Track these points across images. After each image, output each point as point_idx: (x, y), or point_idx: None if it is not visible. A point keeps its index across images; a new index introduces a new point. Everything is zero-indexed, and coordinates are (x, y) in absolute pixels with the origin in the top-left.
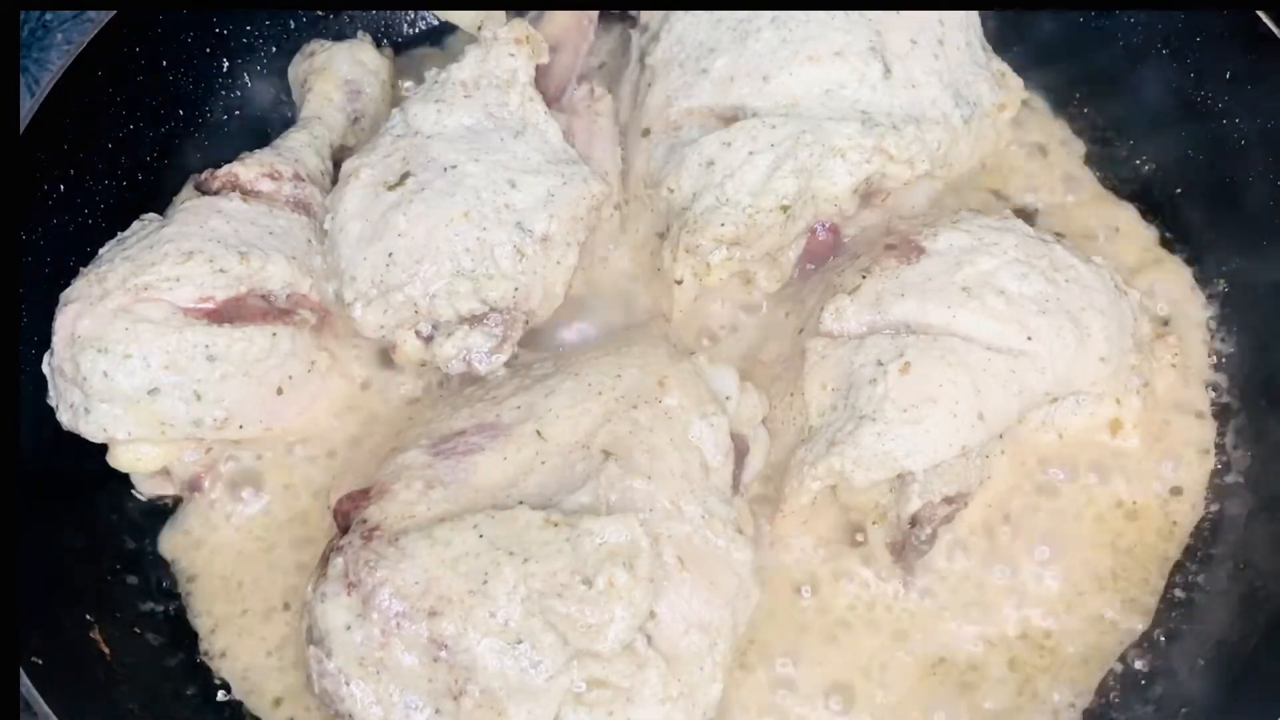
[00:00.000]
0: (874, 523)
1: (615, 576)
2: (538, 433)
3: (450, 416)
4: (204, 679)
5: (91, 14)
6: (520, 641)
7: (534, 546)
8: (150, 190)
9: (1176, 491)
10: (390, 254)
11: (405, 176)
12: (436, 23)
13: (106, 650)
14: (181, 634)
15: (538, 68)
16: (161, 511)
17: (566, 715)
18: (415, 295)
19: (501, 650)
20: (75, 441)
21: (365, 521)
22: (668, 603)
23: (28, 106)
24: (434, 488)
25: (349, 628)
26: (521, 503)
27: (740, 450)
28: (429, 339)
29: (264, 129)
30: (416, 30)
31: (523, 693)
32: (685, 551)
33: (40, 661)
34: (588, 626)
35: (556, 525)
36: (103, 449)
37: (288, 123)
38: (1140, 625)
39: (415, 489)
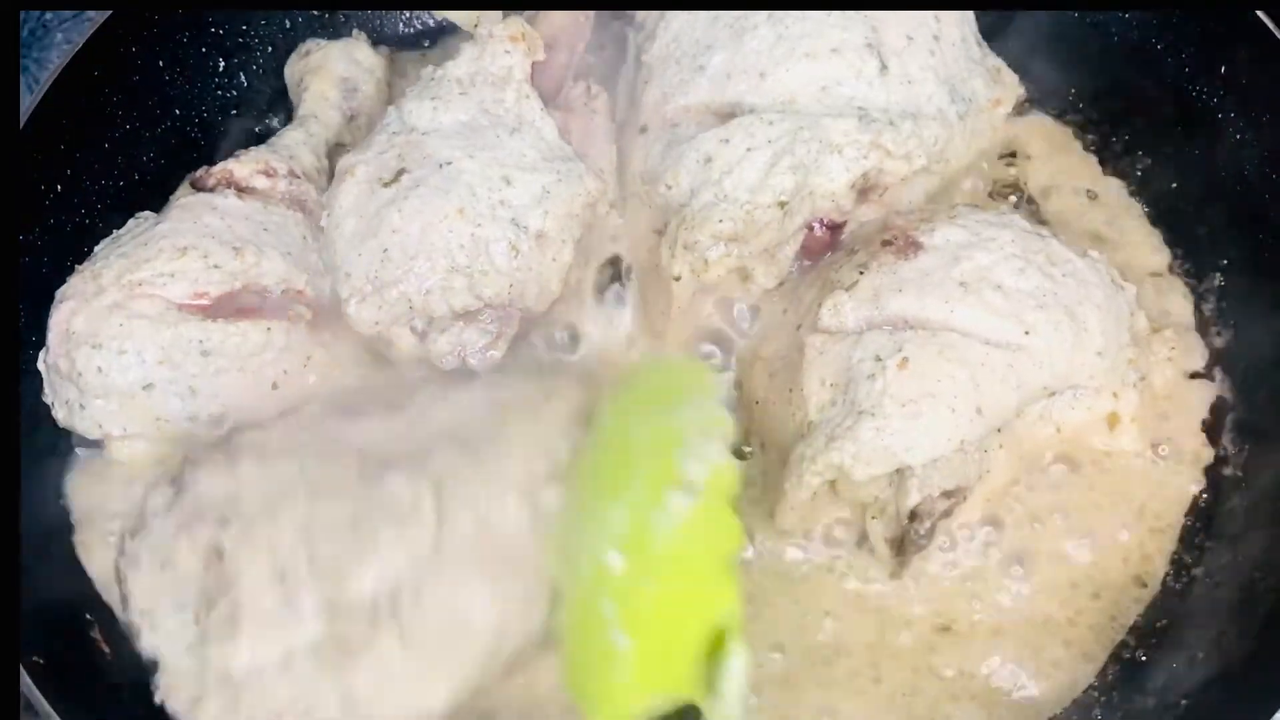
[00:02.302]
0: (873, 517)
1: (383, 532)
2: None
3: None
4: None
5: (91, 14)
6: (282, 573)
7: (331, 488)
8: (149, 190)
9: (1174, 485)
10: (385, 250)
11: (400, 173)
12: (433, 21)
13: (107, 650)
14: None
15: (534, 65)
16: None
17: (297, 659)
18: (410, 291)
19: (260, 575)
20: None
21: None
22: (437, 584)
23: (27, 106)
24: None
25: (156, 515)
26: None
27: None
28: (424, 335)
29: (261, 128)
30: (412, 29)
31: (263, 622)
32: (485, 544)
33: (41, 661)
34: (341, 575)
35: (362, 476)
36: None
37: (285, 122)
38: (1138, 617)
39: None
